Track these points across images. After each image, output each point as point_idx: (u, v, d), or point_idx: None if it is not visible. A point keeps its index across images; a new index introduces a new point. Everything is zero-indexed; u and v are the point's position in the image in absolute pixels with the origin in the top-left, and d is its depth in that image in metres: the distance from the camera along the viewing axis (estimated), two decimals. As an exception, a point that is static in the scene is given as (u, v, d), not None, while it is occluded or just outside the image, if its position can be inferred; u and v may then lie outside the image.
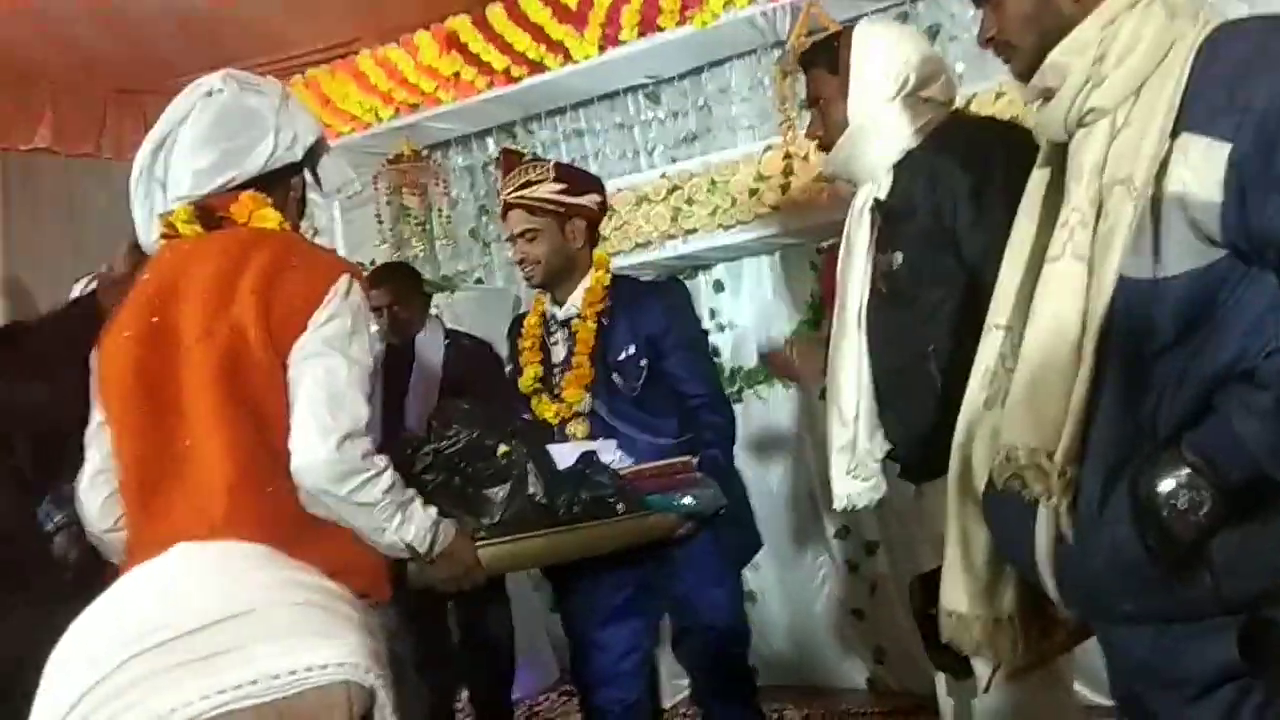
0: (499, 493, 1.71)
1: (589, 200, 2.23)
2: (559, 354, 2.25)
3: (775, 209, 3.07)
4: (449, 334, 3.01)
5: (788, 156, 3.03)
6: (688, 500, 1.99)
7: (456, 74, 3.71)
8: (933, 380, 1.67)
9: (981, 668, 1.42)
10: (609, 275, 2.26)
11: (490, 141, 4.06)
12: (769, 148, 3.11)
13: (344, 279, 1.46)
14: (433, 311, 3.15)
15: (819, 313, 3.35)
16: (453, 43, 3.70)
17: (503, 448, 1.75)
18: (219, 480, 1.39)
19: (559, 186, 2.18)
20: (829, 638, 3.43)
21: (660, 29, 3.26)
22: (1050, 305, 1.11)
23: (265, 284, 1.42)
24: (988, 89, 2.70)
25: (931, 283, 1.68)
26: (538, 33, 3.51)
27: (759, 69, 3.38)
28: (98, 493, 1.54)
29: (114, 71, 3.92)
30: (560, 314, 2.26)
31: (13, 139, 3.87)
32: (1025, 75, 1.19)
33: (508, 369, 2.42)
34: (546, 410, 2.22)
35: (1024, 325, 1.16)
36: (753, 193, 3.09)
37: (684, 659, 2.28)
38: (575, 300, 2.24)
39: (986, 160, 1.60)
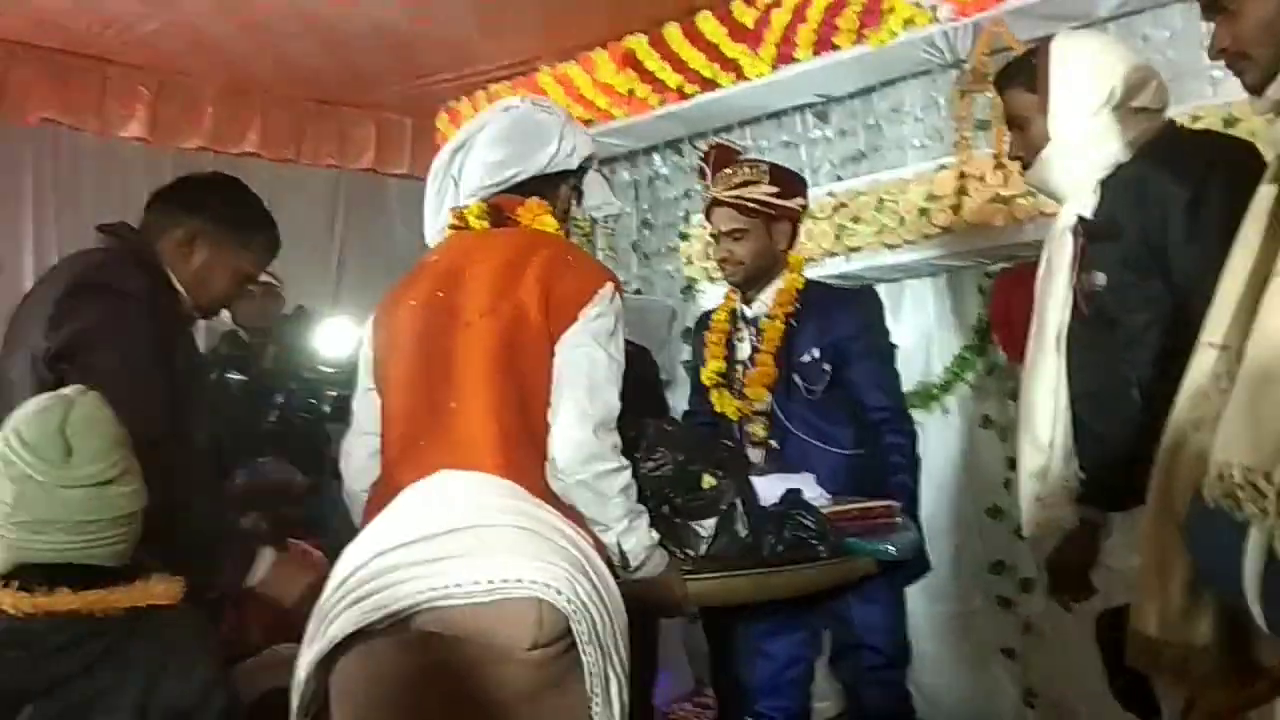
0: (706, 526, 1.70)
1: (796, 203, 2.26)
2: (743, 351, 2.28)
3: (945, 230, 3.02)
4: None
5: (962, 176, 2.97)
6: (888, 547, 1.92)
7: (631, 91, 3.82)
8: (1135, 406, 1.62)
9: (1170, 710, 1.35)
10: (803, 278, 2.27)
11: (656, 157, 4.16)
12: (942, 167, 3.06)
13: (610, 285, 1.58)
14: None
15: (984, 339, 3.28)
16: (629, 61, 3.82)
17: (708, 479, 1.74)
18: (480, 439, 1.45)
19: (773, 189, 2.20)
20: (976, 674, 3.31)
21: (836, 47, 3.27)
22: (1275, 320, 1.07)
23: (548, 274, 1.54)
24: (1183, 112, 2.59)
25: (1137, 306, 1.63)
26: (712, 51, 3.58)
27: (934, 88, 3.34)
28: (360, 452, 1.63)
29: (316, 83, 4.25)
30: (750, 312, 2.29)
31: (225, 143, 4.26)
32: (1259, 87, 1.16)
33: (690, 362, 2.44)
34: (728, 406, 2.25)
35: (1242, 344, 1.12)
36: (922, 212, 3.05)
37: (841, 676, 2.27)
38: (766, 299, 2.26)
39: (1205, 175, 1.54)
